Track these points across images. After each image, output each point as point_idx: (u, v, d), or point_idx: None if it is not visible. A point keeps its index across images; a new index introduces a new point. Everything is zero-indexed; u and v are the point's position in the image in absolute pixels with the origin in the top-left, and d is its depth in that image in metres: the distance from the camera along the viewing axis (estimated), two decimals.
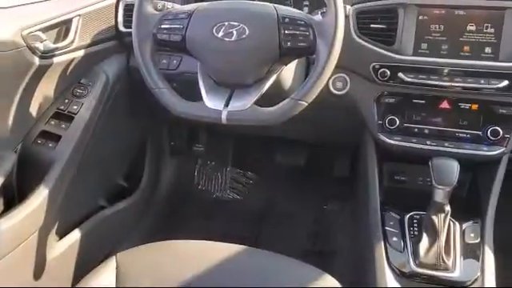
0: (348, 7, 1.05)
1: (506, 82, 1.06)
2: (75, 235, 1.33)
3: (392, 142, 1.17)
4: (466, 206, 1.18)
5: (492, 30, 1.07)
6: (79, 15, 1.22)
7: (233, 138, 1.99)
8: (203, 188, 2.00)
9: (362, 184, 1.32)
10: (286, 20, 0.93)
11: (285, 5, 1.28)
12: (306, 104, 0.94)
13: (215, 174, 2.00)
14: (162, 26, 0.98)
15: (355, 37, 1.14)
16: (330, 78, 1.20)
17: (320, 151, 1.90)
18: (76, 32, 1.21)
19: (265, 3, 0.98)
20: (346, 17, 1.06)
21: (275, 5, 0.96)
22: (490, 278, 1.00)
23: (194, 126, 1.83)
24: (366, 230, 1.17)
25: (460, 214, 1.12)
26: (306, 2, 1.32)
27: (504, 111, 1.10)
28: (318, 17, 1.00)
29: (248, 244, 1.70)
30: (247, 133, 1.69)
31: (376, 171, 1.22)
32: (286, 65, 1.04)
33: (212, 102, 0.97)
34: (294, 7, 1.29)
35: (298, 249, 1.67)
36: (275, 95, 1.01)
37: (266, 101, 0.99)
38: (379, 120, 1.19)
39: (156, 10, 1.05)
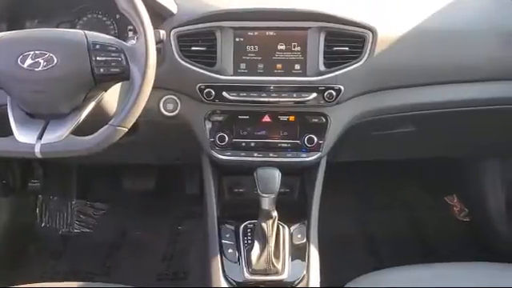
0: (162, 32, 1.08)
1: (314, 95, 1.17)
2: None
3: (223, 157, 1.23)
4: (296, 210, 1.27)
5: (299, 49, 1.18)
6: None
7: (74, 169, 1.89)
8: (47, 225, 1.87)
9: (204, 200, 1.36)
10: (97, 46, 0.92)
11: (108, 30, 1.29)
12: (126, 129, 0.94)
13: (59, 209, 1.88)
14: None
15: (179, 59, 1.17)
16: (160, 100, 1.23)
17: (169, 172, 1.90)
18: None
19: (75, 30, 0.97)
20: (161, 41, 1.08)
21: (86, 31, 0.95)
22: (315, 275, 1.10)
23: (26, 160, 1.70)
24: (205, 246, 1.20)
25: (290, 218, 1.21)
26: (131, 27, 1.32)
27: (316, 120, 1.22)
28: (131, 42, 1.01)
29: (98, 278, 1.63)
30: (89, 162, 1.63)
31: (212, 187, 1.26)
32: (106, 91, 1.03)
33: (23, 136, 0.92)
34: (118, 32, 1.30)
35: (152, 274, 1.64)
36: (101, 122, 0.99)
37: (91, 128, 0.96)
38: (211, 138, 1.23)
39: None
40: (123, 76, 0.94)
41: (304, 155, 1.22)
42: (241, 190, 1.36)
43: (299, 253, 1.13)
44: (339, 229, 1.77)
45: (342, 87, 1.17)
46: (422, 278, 1.02)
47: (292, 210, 1.26)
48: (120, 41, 0.95)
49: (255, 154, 1.22)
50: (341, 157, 1.47)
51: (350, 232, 1.81)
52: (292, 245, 1.14)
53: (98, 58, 0.92)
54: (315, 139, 1.21)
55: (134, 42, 1.02)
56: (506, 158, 1.61)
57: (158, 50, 1.12)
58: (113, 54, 0.92)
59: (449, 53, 1.24)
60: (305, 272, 1.09)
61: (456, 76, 1.25)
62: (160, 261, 1.73)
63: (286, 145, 1.22)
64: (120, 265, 1.72)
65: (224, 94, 1.18)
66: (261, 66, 1.19)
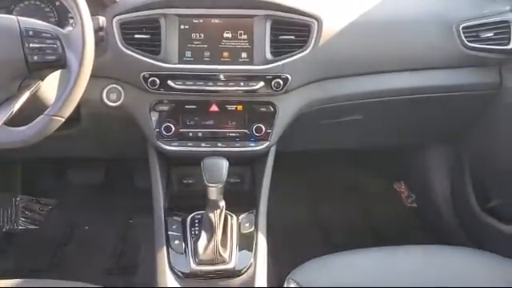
0: (102, 19, 1.05)
1: (262, 84, 1.17)
2: None
3: (170, 148, 1.21)
4: (246, 199, 1.27)
5: (245, 37, 1.17)
6: None
7: (19, 163, 1.81)
8: None
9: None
10: (30, 33, 0.88)
11: (48, 18, 1.24)
12: (63, 119, 0.90)
13: (2, 205, 1.80)
14: None
15: (122, 48, 1.14)
16: (103, 90, 1.19)
17: (118, 164, 1.85)
18: None
19: (6, 15, 0.92)
20: (101, 29, 1.05)
21: (19, 17, 0.90)
22: (262, 262, 1.10)
23: None
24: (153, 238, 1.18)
25: (240, 207, 1.21)
26: (71, 14, 1.27)
27: (264, 109, 1.21)
28: (68, 29, 0.97)
29: (44, 275, 1.58)
30: (34, 155, 1.56)
31: (159, 178, 1.24)
32: (42, 79, 0.98)
33: None
34: (58, 20, 1.25)
35: (101, 270, 1.61)
36: (39, 112, 0.95)
37: (28, 120, 0.92)
38: (156, 128, 1.21)
39: None
40: (59, 64, 0.90)
41: (252, 144, 1.22)
42: (190, 181, 1.34)
43: (247, 241, 1.13)
44: (291, 218, 1.79)
45: (289, 76, 1.17)
46: (365, 261, 1.04)
47: (242, 199, 1.26)
48: (55, 27, 0.91)
49: (203, 145, 1.21)
50: (291, 146, 1.48)
51: (302, 220, 1.83)
52: (240, 234, 1.14)
53: (31, 45, 0.88)
54: (263, 128, 1.21)
55: (69, 28, 0.98)
56: (449, 145, 1.67)
57: (101, 39, 1.10)
58: (48, 41, 0.88)
59: (393, 43, 1.26)
60: (252, 260, 1.09)
61: (401, 65, 1.28)
62: (110, 256, 1.69)
63: (234, 134, 1.21)
64: (68, 261, 1.66)
65: (169, 82, 1.16)
66: (207, 54, 1.17)
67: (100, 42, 1.10)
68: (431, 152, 1.74)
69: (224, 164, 1.07)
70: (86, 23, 0.89)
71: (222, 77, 1.17)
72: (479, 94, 1.34)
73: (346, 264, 1.04)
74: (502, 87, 1.31)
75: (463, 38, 1.25)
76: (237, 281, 1.06)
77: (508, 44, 1.26)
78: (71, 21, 1.25)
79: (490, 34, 1.26)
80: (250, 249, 1.11)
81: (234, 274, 1.06)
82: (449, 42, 1.26)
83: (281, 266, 1.18)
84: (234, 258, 1.08)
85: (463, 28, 1.25)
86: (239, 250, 1.10)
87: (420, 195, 1.88)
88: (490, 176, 1.48)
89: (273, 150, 1.26)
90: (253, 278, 1.06)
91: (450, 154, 1.69)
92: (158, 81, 1.15)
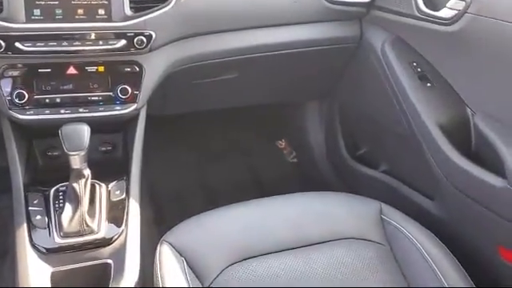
0: None
1: (123, 42, 1.10)
2: None
3: (25, 117, 1.09)
4: (119, 167, 1.21)
5: None
6: None
7: None
8: None
9: None
10: None
11: None
12: None
13: None
14: None
15: None
16: None
17: None
18: None
19: None
20: None
21: None
22: (134, 229, 1.06)
23: None
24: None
25: (111, 175, 1.15)
26: None
27: (129, 69, 1.14)
28: None
29: None
30: None
31: (15, 152, 1.13)
32: None
33: None
34: None
35: None
36: None
37: None
38: (8, 96, 1.09)
39: None
40: None
41: (118, 108, 1.15)
42: (55, 153, 1.24)
43: (118, 209, 1.08)
44: (175, 182, 1.76)
45: (152, 33, 1.11)
46: (241, 213, 1.06)
47: (114, 167, 1.20)
48: None
49: (62, 111, 1.11)
50: (166, 109, 1.43)
51: (187, 183, 1.80)
52: (110, 202, 1.08)
53: None
54: (129, 90, 1.14)
55: None
56: (322, 100, 1.74)
57: None
58: None
59: None
60: (124, 227, 1.05)
61: (266, 20, 1.29)
62: None
63: (96, 98, 1.13)
64: None
65: (17, 44, 1.04)
66: (59, 11, 1.06)
67: None
68: (307, 109, 1.80)
69: (85, 129, 1.00)
70: None
71: (77, 36, 1.07)
72: (343, 47, 1.39)
73: (223, 218, 1.04)
74: (363, 40, 1.38)
75: None
76: (107, 250, 1.01)
77: None
78: None
79: None
80: (121, 216, 1.07)
81: (103, 243, 1.02)
82: None
83: (163, 231, 1.15)
84: (103, 228, 1.03)
85: None
86: (109, 219, 1.06)
87: (299, 150, 1.95)
88: (357, 126, 1.57)
89: (143, 113, 1.20)
90: (124, 245, 1.03)
91: (323, 109, 1.76)
92: (3, 43, 1.03)
